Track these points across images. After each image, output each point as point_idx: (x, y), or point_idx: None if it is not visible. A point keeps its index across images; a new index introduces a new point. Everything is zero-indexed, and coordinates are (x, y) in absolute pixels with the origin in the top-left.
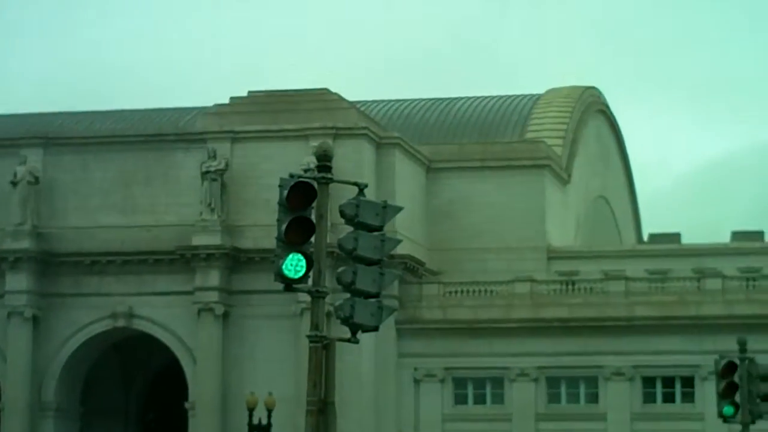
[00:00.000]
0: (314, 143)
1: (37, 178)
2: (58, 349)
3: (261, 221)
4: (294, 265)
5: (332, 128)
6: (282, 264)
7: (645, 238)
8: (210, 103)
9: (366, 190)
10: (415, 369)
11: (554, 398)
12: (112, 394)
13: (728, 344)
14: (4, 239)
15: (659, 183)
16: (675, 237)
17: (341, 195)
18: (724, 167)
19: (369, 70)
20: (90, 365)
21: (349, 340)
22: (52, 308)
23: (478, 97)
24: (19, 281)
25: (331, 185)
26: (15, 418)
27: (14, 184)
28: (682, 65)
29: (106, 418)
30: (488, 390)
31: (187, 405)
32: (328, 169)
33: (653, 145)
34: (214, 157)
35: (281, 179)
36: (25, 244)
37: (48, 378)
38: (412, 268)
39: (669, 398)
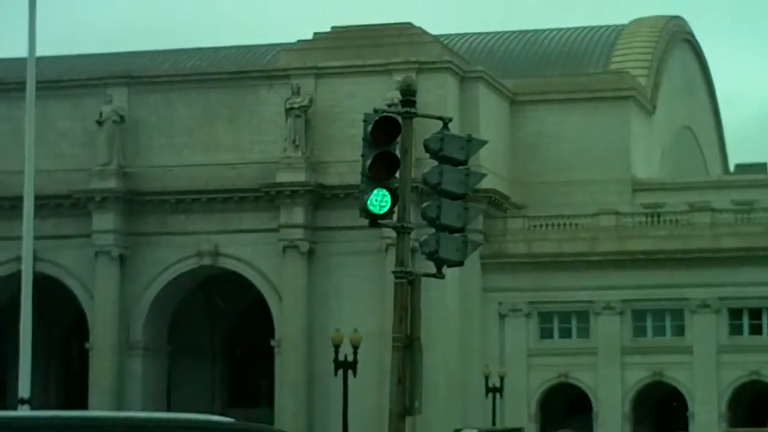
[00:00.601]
0: (398, 78)
1: (122, 117)
2: (144, 288)
3: (345, 157)
4: (379, 200)
5: (416, 62)
6: (367, 200)
7: (731, 168)
8: (293, 40)
9: (450, 124)
10: (500, 303)
11: (640, 331)
12: (198, 332)
13: None
14: (91, 179)
15: (746, 113)
16: (761, 167)
17: (425, 129)
18: None
19: (452, 3)
20: (176, 304)
21: (434, 276)
22: (138, 247)
23: (562, 29)
24: (105, 221)
25: (415, 120)
26: (103, 358)
27: (100, 123)
28: None
29: (193, 357)
30: (573, 324)
31: (273, 342)
32: (412, 103)
33: (739, 74)
34: (298, 93)
35: (365, 114)
36: (111, 183)
37: (135, 317)
38: (496, 202)
39: (756, 330)
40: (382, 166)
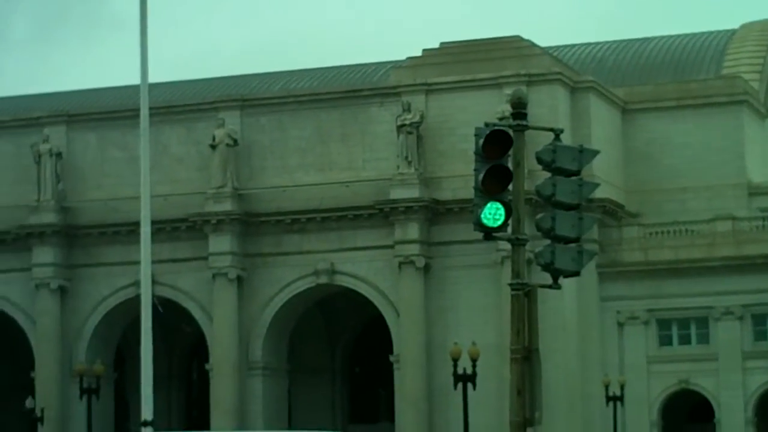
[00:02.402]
0: (508, 91)
1: (235, 140)
2: (262, 308)
3: (458, 172)
4: (493, 213)
5: (526, 75)
6: (481, 213)
7: None
8: (403, 57)
9: (562, 135)
10: (618, 312)
11: (761, 336)
12: (317, 351)
13: None
14: (206, 202)
15: None
16: None
17: (537, 141)
18: None
19: (560, 14)
20: (295, 323)
21: (550, 287)
22: (255, 268)
23: (672, 36)
24: (222, 243)
25: (527, 132)
26: (224, 378)
27: (213, 147)
28: None
29: (312, 375)
30: (693, 330)
31: (392, 358)
32: (523, 116)
33: None
34: (409, 110)
35: (476, 128)
36: (226, 206)
37: (254, 337)
38: (610, 211)
39: None
40: (495, 180)
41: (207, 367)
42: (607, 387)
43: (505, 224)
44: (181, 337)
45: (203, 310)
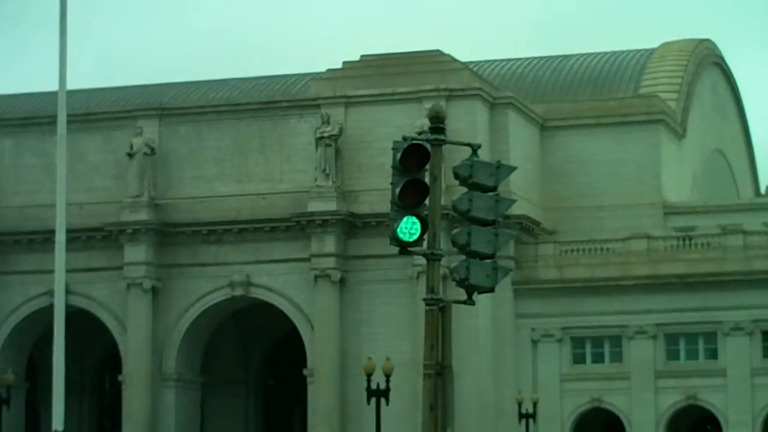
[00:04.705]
0: (427, 105)
1: (153, 149)
2: (177, 319)
3: (376, 185)
4: (409, 228)
5: (445, 90)
6: (397, 227)
7: (762, 190)
8: (323, 69)
9: (480, 151)
10: (533, 329)
11: (673, 355)
12: (231, 363)
13: None
14: (122, 211)
15: None
16: None
17: (455, 157)
18: None
19: (481, 30)
20: (209, 335)
21: (465, 302)
22: (170, 279)
23: (591, 54)
24: (137, 253)
25: (445, 147)
26: (136, 390)
27: (131, 155)
28: None
29: (226, 387)
30: (606, 348)
31: (306, 372)
32: (441, 130)
33: None
34: (328, 122)
35: (394, 142)
36: (142, 215)
37: (168, 349)
38: (527, 228)
39: None
40: (412, 194)
41: (120, 377)
42: (520, 404)
43: (421, 239)
44: (94, 346)
45: (117, 320)
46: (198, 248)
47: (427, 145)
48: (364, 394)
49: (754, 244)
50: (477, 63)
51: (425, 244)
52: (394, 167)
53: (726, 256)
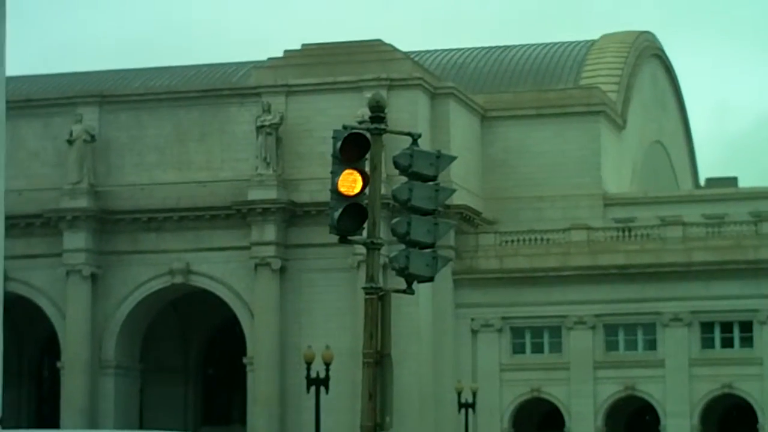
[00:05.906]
0: (368, 94)
1: (93, 136)
2: (116, 306)
3: (316, 174)
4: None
5: (386, 79)
6: (337, 216)
7: (702, 182)
8: (264, 57)
9: (420, 141)
10: (473, 319)
11: (612, 346)
12: (171, 351)
13: None
14: (62, 198)
15: (716, 127)
16: (732, 181)
17: (396, 146)
18: None
19: (422, 20)
20: (149, 323)
21: (404, 291)
22: (110, 266)
23: (532, 45)
24: (77, 240)
25: (386, 136)
26: (75, 376)
27: (70, 142)
28: (739, 6)
29: (165, 375)
30: (546, 339)
31: (245, 360)
32: (382, 119)
33: (710, 89)
34: (269, 111)
35: (335, 131)
36: (82, 202)
37: (107, 336)
38: (467, 217)
39: (727, 343)
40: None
41: (59, 364)
42: (459, 393)
43: (360, 227)
44: (33, 333)
45: (56, 307)
46: (138, 236)
47: (368, 134)
48: (304, 383)
49: (693, 235)
50: (418, 53)
51: (365, 233)
52: (334, 156)
53: (665, 248)
